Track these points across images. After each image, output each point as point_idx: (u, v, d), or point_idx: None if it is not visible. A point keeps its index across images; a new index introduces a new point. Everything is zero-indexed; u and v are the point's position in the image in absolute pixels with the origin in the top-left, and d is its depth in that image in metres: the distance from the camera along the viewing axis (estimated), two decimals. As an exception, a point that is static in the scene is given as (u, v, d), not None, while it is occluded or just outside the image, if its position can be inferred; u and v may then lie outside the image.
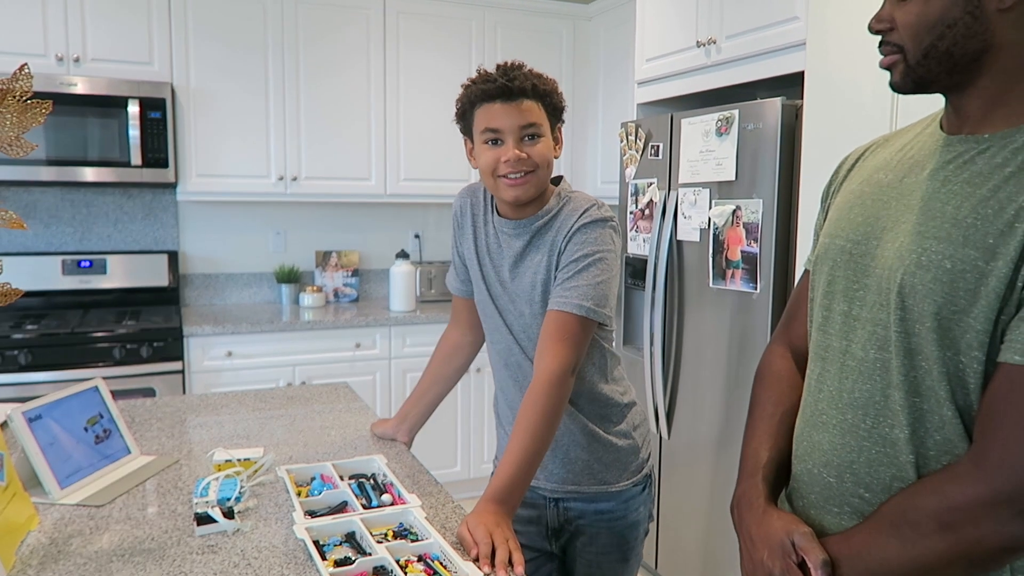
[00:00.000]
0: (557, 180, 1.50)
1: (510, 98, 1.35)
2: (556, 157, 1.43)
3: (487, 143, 1.38)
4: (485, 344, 1.62)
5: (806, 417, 1.04)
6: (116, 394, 2.79)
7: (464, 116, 1.43)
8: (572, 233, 1.39)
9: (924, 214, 0.90)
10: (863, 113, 1.88)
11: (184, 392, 3.05)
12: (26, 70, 1.00)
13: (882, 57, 0.95)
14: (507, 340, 1.50)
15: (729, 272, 2.35)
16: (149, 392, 2.95)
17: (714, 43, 2.55)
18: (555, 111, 1.42)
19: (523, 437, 1.27)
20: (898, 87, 0.95)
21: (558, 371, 1.32)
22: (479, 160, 1.41)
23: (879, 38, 0.95)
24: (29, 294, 3.25)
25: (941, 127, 0.96)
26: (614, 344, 1.54)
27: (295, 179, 3.44)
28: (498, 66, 1.39)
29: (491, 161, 1.37)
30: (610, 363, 1.51)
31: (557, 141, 1.44)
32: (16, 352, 2.80)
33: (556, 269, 1.40)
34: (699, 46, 2.61)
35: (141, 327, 3.00)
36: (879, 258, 0.94)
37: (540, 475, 1.49)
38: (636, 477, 1.52)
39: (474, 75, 1.40)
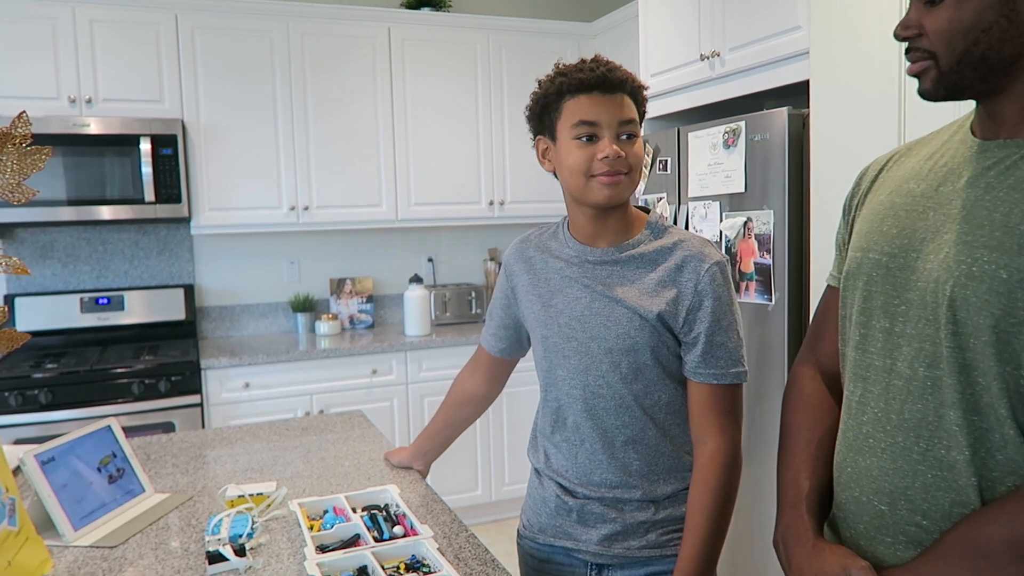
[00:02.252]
0: (643, 209, 1.35)
1: (609, 90, 1.21)
2: None
3: (579, 139, 1.21)
4: (541, 401, 1.41)
5: (848, 441, 0.98)
6: (136, 430, 2.84)
7: (547, 110, 1.26)
8: (705, 286, 1.23)
9: (969, 223, 0.86)
10: (870, 119, 1.86)
11: (203, 425, 3.05)
12: (24, 117, 1.01)
13: (910, 64, 0.91)
14: (569, 394, 1.30)
15: (743, 284, 2.32)
16: (169, 427, 2.97)
17: (718, 56, 2.54)
18: (642, 116, 1.28)
19: (702, 522, 1.21)
20: (929, 94, 0.90)
21: (731, 449, 1.23)
22: (567, 159, 1.23)
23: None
24: (49, 333, 3.29)
25: (973, 133, 0.92)
26: None
27: (307, 208, 3.46)
28: (584, 59, 1.25)
29: (584, 159, 1.21)
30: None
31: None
32: (37, 391, 2.82)
33: (682, 324, 1.24)
34: (703, 59, 2.61)
35: (159, 362, 3.02)
36: (921, 271, 0.89)
37: (583, 536, 1.31)
38: None
39: (551, 71, 1.26)
